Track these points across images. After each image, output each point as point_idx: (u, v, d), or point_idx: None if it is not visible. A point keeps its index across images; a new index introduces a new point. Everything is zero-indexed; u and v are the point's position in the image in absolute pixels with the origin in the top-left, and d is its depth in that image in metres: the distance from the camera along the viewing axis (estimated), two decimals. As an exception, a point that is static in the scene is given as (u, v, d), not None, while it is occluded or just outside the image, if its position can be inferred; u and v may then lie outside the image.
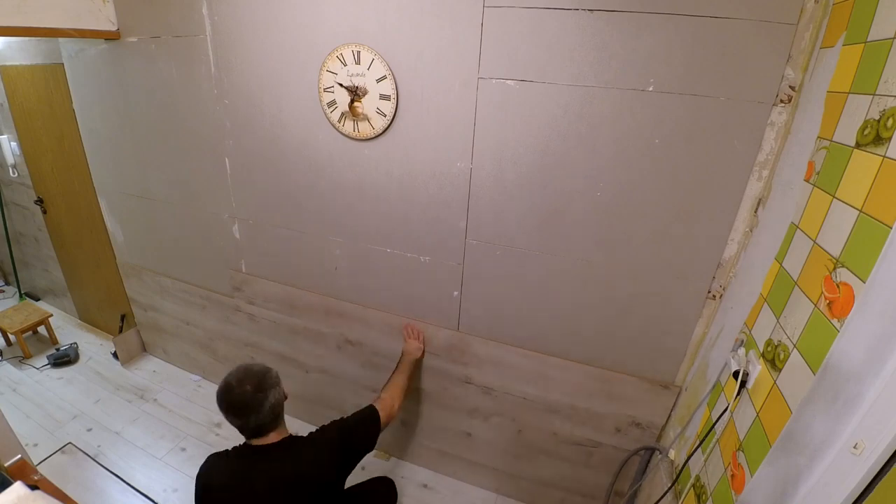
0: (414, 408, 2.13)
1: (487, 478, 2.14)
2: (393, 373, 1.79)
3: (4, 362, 2.85)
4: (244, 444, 1.36)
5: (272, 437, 1.34)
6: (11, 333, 2.88)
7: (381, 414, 1.54)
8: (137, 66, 2.06)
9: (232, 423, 1.31)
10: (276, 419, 1.34)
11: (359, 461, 1.46)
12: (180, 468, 2.20)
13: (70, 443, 2.27)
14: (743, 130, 1.24)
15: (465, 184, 1.60)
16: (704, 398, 1.34)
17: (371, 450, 1.51)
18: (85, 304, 3.31)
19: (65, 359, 2.90)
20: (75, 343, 3.03)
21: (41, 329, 3.08)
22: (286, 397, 1.41)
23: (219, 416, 2.52)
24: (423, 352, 1.92)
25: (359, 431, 1.48)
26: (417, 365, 1.92)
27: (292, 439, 1.39)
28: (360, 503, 1.74)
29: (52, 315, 3.09)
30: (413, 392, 2.08)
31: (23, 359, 2.91)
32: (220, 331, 2.53)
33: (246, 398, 1.28)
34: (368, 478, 1.91)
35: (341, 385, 2.26)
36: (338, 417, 1.50)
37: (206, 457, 1.39)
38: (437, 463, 2.23)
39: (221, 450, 1.38)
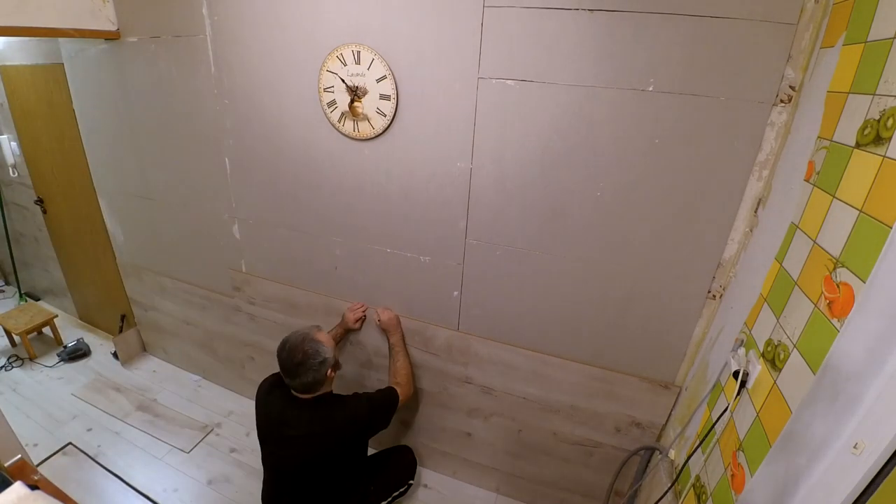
0: (414, 407, 2.13)
1: (487, 478, 2.14)
2: (392, 360, 1.87)
3: (14, 368, 2.85)
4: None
5: (307, 396, 1.56)
6: (17, 334, 2.88)
7: (401, 398, 1.74)
8: (137, 66, 2.06)
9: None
10: (311, 387, 1.54)
11: (374, 435, 1.69)
12: (180, 468, 2.20)
13: (70, 443, 2.27)
14: (743, 130, 1.24)
15: (465, 184, 1.60)
16: (704, 398, 1.34)
17: (386, 427, 1.69)
18: (85, 304, 3.31)
19: (79, 352, 2.93)
20: (82, 338, 3.04)
21: (44, 329, 3.08)
22: (337, 369, 1.62)
23: (219, 416, 2.52)
24: (393, 315, 1.91)
25: (382, 411, 1.67)
26: (402, 333, 1.94)
27: (327, 399, 1.61)
28: (381, 468, 1.90)
29: (57, 316, 3.09)
30: (413, 392, 2.08)
31: (27, 359, 2.91)
32: (220, 331, 2.53)
33: (289, 365, 1.51)
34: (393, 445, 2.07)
35: (341, 385, 2.26)
36: (372, 400, 1.67)
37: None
38: (437, 463, 2.23)
39: (278, 378, 1.62)
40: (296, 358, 1.49)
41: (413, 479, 2.00)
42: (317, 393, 1.56)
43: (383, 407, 1.67)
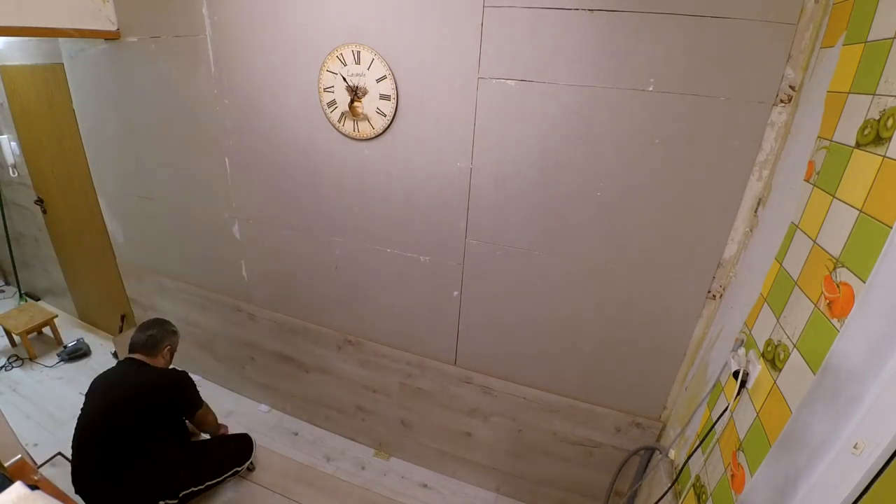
0: (414, 407, 2.13)
1: (487, 478, 2.14)
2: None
3: (14, 368, 2.85)
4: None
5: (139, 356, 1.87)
6: (17, 334, 2.88)
7: (205, 408, 1.97)
8: (137, 66, 2.06)
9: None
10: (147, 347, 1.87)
11: (176, 415, 1.87)
12: (180, 468, 2.20)
13: (60, 453, 2.23)
14: (743, 130, 1.24)
15: (465, 184, 1.60)
16: (704, 398, 1.34)
17: (185, 413, 1.91)
18: (85, 304, 3.31)
19: (79, 352, 2.93)
20: (82, 338, 3.04)
21: (44, 329, 3.08)
22: (171, 342, 1.96)
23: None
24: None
25: (187, 393, 1.89)
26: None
27: (146, 365, 1.86)
28: (211, 449, 1.99)
29: (57, 316, 3.09)
30: (414, 391, 2.08)
31: (27, 359, 2.90)
32: (220, 331, 2.53)
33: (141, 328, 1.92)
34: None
35: (341, 385, 2.26)
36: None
37: None
38: (437, 463, 2.23)
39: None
40: (146, 324, 1.93)
41: (241, 465, 2.04)
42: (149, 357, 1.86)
43: (191, 393, 1.90)
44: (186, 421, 1.95)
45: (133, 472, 1.66)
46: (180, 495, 1.76)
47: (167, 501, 1.71)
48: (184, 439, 1.91)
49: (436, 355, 1.96)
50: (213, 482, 1.90)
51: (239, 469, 2.03)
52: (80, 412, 1.75)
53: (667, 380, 1.62)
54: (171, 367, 1.96)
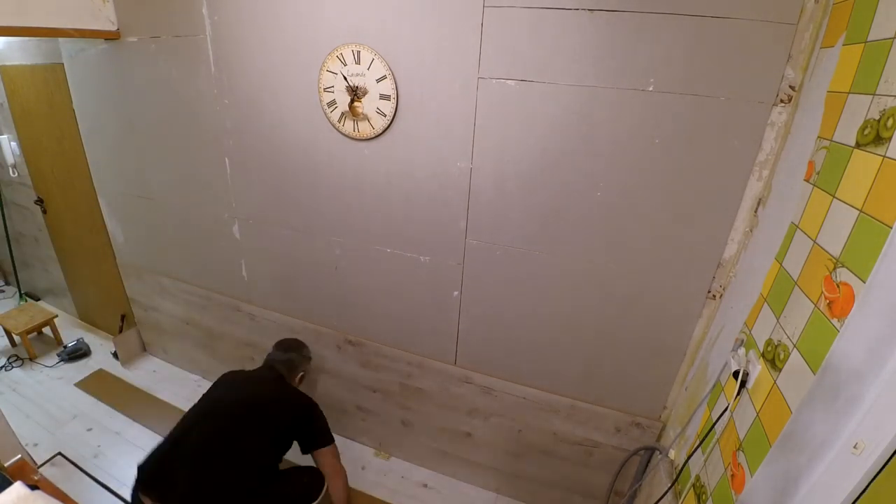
0: (414, 407, 2.13)
1: (487, 478, 2.14)
2: None
3: (14, 368, 2.85)
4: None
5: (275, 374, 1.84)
6: (17, 334, 2.88)
7: (333, 448, 1.80)
8: (137, 66, 2.06)
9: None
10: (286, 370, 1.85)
11: (293, 442, 1.72)
12: (180, 468, 2.20)
13: (59, 453, 2.22)
14: (743, 130, 1.24)
15: (465, 184, 1.60)
16: (704, 398, 1.34)
17: (307, 444, 1.75)
18: (85, 304, 3.31)
19: (79, 352, 2.93)
20: (82, 338, 3.04)
21: (44, 329, 3.08)
22: (306, 368, 1.96)
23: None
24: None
25: (317, 426, 1.77)
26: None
27: (288, 384, 1.84)
28: (284, 481, 1.69)
29: (57, 316, 3.09)
30: (414, 391, 2.08)
31: (27, 359, 2.90)
32: (220, 331, 2.53)
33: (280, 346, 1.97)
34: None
35: (341, 385, 2.26)
36: (324, 420, 1.81)
37: None
38: (437, 463, 2.23)
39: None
40: (287, 344, 1.97)
41: (314, 502, 1.76)
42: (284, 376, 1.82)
43: (320, 426, 1.77)
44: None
45: (225, 483, 1.48)
46: None
47: None
48: (275, 473, 1.65)
49: (436, 355, 1.96)
50: None
51: None
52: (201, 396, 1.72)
53: (667, 380, 1.62)
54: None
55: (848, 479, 0.71)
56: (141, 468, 1.51)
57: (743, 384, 1.08)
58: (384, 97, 1.57)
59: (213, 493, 1.46)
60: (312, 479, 1.77)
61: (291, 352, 1.92)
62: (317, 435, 1.76)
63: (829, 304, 0.84)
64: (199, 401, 1.71)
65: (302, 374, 1.91)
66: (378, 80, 1.55)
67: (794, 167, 1.12)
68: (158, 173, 2.28)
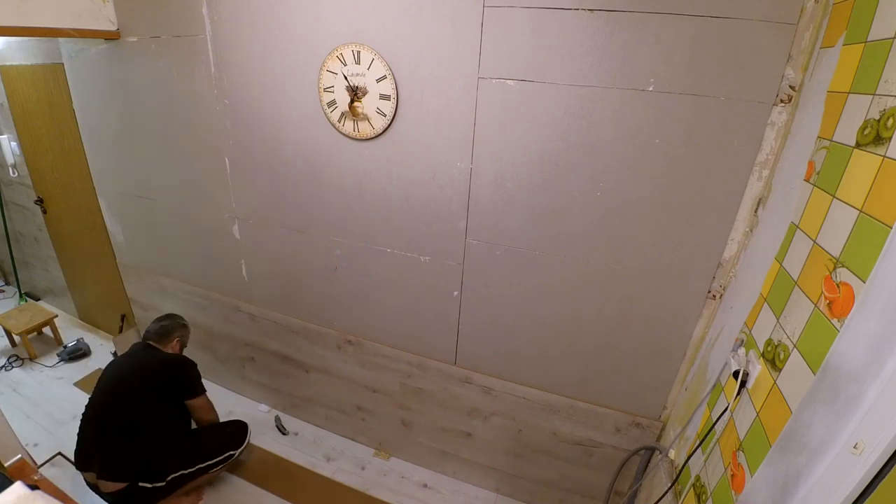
0: (414, 407, 2.13)
1: (487, 478, 2.14)
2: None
3: (14, 368, 2.85)
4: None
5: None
6: (17, 334, 2.88)
7: (205, 399, 2.01)
8: (137, 66, 2.06)
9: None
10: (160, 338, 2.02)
11: (176, 395, 1.92)
12: (180, 468, 2.19)
13: (59, 453, 2.23)
14: (743, 130, 1.24)
15: (465, 184, 1.60)
16: (704, 398, 1.34)
17: (184, 395, 1.95)
18: (85, 304, 3.31)
19: (79, 352, 2.93)
20: (82, 338, 3.04)
21: (44, 329, 3.08)
22: (182, 334, 2.11)
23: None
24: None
25: (189, 380, 1.97)
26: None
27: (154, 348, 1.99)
28: (205, 434, 2.01)
29: (57, 315, 3.09)
30: (414, 391, 2.08)
31: (27, 359, 2.90)
32: (220, 331, 2.53)
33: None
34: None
35: (341, 385, 2.26)
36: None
37: None
38: (437, 463, 2.23)
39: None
40: (161, 317, 2.11)
41: (235, 450, 2.04)
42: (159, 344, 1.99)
43: (193, 376, 1.98)
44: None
45: (126, 445, 1.73)
46: (168, 479, 1.78)
47: (155, 484, 1.75)
48: (183, 425, 1.96)
49: (436, 355, 1.96)
50: (203, 465, 1.91)
51: (233, 453, 2.04)
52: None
53: (667, 380, 1.62)
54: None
55: (848, 480, 0.71)
56: (74, 453, 1.82)
57: (743, 384, 1.08)
58: (384, 97, 1.57)
59: (126, 456, 1.71)
60: (235, 429, 2.09)
61: (164, 321, 2.07)
62: (189, 387, 1.96)
63: (829, 304, 0.84)
64: (91, 393, 1.87)
65: (177, 338, 2.06)
66: (378, 80, 1.55)
67: (794, 167, 1.12)
68: (158, 173, 2.28)
